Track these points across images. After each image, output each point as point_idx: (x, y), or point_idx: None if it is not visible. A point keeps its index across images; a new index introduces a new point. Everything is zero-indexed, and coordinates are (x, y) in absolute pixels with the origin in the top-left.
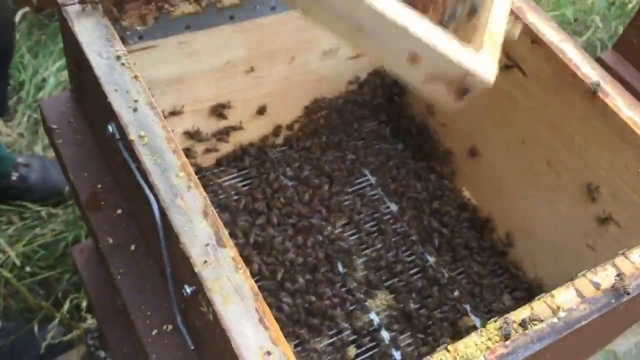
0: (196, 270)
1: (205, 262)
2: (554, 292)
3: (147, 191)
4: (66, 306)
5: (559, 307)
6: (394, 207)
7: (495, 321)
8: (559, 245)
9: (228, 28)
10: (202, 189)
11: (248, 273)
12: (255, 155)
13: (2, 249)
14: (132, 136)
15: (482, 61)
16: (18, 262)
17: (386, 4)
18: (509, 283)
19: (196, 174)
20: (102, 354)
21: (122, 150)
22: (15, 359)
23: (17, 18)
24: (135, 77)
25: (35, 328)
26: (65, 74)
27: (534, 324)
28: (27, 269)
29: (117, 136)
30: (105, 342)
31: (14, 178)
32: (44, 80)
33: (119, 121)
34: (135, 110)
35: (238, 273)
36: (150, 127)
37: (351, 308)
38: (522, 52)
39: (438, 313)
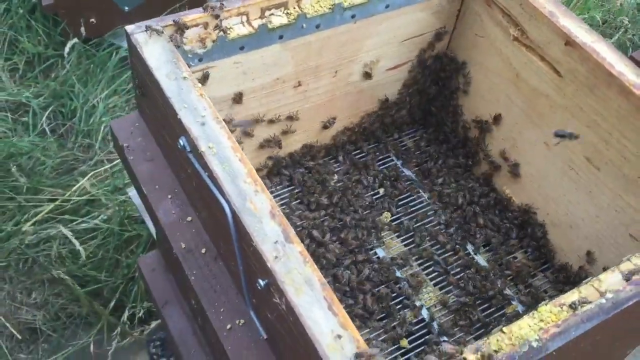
0: (268, 265)
1: (276, 257)
2: (601, 276)
3: (220, 197)
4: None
5: (606, 290)
6: (436, 207)
7: (546, 304)
8: (601, 237)
9: (277, 47)
10: (268, 193)
11: (315, 265)
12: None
13: None
14: (203, 148)
15: None
16: None
17: None
18: (552, 275)
19: None
20: None
21: (192, 162)
22: None
23: (67, 49)
24: (201, 95)
25: None
26: (113, 100)
27: (583, 306)
28: None
29: (188, 149)
30: (171, 346)
31: None
32: (94, 106)
33: (189, 135)
34: (203, 124)
35: (306, 266)
36: (217, 138)
37: (399, 305)
38: (556, 54)
39: (483, 304)
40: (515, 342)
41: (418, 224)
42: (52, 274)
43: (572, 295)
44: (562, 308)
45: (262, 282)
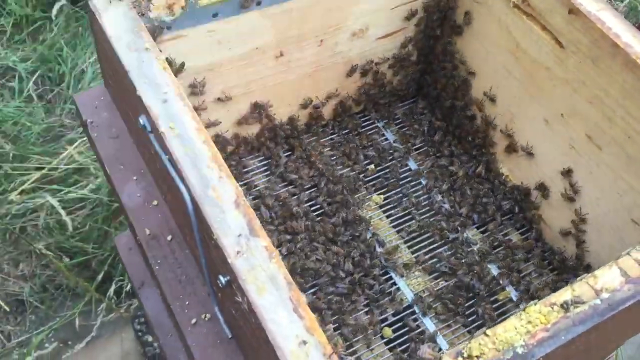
0: (229, 260)
1: (238, 252)
2: (597, 272)
3: (179, 183)
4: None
5: (602, 288)
6: (425, 182)
7: (535, 304)
8: (602, 220)
9: (255, 14)
10: (233, 179)
11: (281, 262)
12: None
13: None
14: (163, 128)
15: None
16: None
17: None
18: (548, 256)
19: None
20: (150, 338)
21: (153, 143)
22: None
23: (54, 12)
24: (164, 68)
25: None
26: None
27: (576, 306)
28: None
29: (149, 128)
30: (149, 327)
31: None
32: (82, 72)
33: (149, 113)
34: (165, 101)
35: (272, 262)
36: (180, 118)
37: (388, 290)
38: (559, 23)
39: (475, 287)
40: (499, 347)
41: (410, 205)
42: (34, 247)
43: (564, 294)
44: (552, 308)
45: (223, 279)
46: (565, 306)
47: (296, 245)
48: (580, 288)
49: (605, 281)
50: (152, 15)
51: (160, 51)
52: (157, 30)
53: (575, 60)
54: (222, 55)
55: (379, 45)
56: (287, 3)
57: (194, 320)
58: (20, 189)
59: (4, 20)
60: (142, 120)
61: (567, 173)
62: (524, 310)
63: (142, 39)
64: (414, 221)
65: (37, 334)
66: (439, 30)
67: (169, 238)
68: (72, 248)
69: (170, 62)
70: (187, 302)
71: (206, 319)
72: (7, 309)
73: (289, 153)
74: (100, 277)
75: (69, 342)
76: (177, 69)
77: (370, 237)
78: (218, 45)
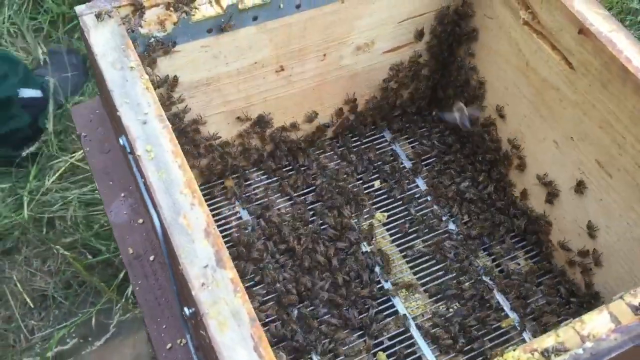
0: (193, 293)
1: (203, 284)
2: (585, 316)
3: (151, 208)
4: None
5: (589, 335)
6: (432, 201)
7: (514, 349)
8: (611, 250)
9: (252, 29)
10: (205, 207)
11: (246, 296)
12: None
13: None
14: (139, 151)
15: None
16: None
17: None
18: (556, 283)
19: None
20: None
21: (132, 164)
22: None
23: None
24: (147, 88)
25: None
26: None
27: (558, 354)
28: None
29: (128, 149)
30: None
31: None
32: None
33: (128, 134)
34: (144, 123)
35: (236, 296)
36: (157, 140)
37: (386, 312)
38: (569, 43)
39: (477, 312)
40: None
41: (415, 224)
42: (53, 247)
43: (547, 339)
44: (532, 355)
45: (187, 311)
46: (545, 354)
47: (294, 261)
48: (565, 334)
49: (593, 327)
50: (143, 32)
51: (155, 62)
52: (152, 47)
53: (586, 82)
54: (220, 70)
55: (386, 59)
56: (286, 18)
57: (169, 345)
58: (56, 175)
59: (41, 17)
60: (122, 140)
61: (578, 186)
62: (501, 356)
63: (127, 58)
64: (418, 241)
65: (59, 329)
66: (451, 40)
67: (151, 258)
68: (98, 246)
69: (163, 78)
70: (164, 326)
71: (182, 344)
72: (32, 305)
73: (292, 166)
74: (121, 275)
75: (89, 339)
76: (171, 83)
77: (370, 257)
78: (214, 60)
